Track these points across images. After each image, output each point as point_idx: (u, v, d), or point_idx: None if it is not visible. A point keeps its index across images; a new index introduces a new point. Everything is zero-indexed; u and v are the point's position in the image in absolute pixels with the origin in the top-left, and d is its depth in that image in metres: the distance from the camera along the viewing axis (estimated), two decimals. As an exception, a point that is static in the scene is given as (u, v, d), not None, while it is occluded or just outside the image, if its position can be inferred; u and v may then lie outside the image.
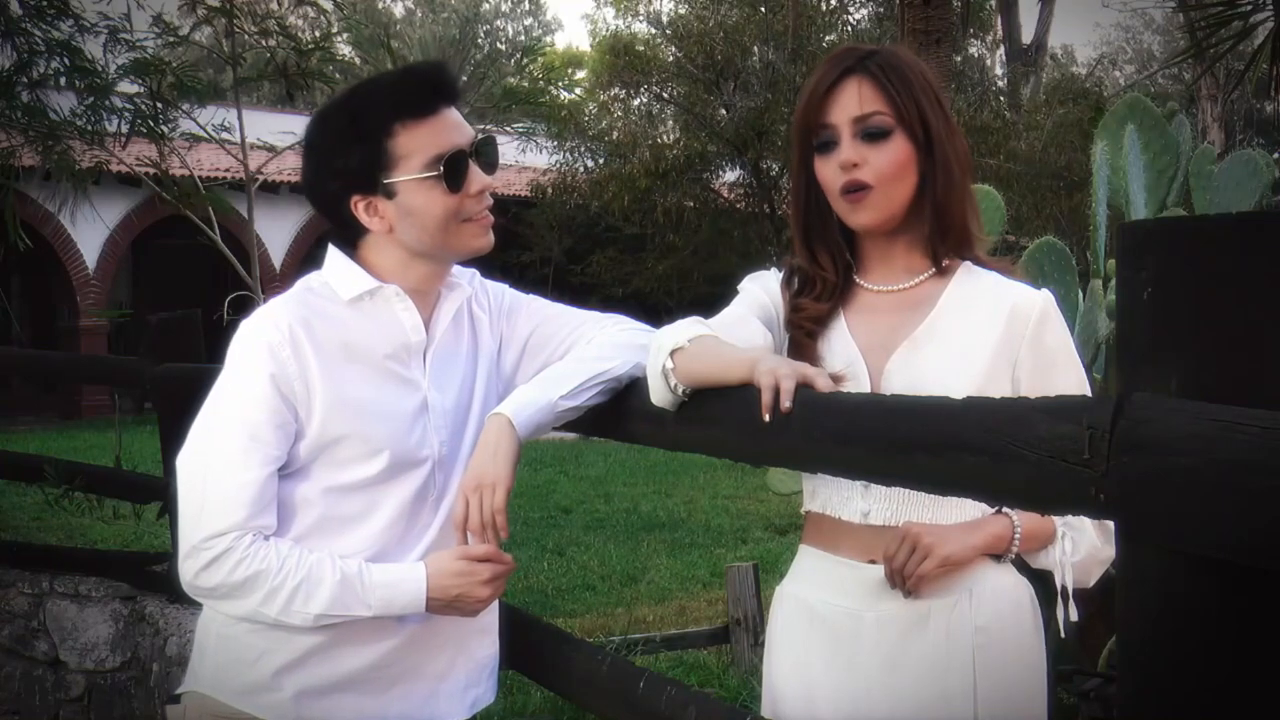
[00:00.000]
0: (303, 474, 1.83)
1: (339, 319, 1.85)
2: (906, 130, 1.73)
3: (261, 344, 1.80)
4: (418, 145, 1.79)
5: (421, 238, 1.83)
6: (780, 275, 1.86)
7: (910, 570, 1.68)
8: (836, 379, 1.69)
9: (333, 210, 1.87)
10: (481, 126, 8.23)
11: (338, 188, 1.84)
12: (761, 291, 1.84)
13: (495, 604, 1.98)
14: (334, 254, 1.90)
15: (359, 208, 1.83)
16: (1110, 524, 1.64)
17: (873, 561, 1.74)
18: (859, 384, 1.72)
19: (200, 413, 1.85)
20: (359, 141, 1.80)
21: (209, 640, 1.90)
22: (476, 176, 1.83)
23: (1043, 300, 1.76)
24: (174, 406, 1.81)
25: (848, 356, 1.75)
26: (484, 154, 1.85)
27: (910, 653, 1.72)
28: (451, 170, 1.80)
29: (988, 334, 1.73)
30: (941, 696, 1.70)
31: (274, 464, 1.79)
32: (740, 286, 1.87)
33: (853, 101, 1.74)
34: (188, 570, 1.80)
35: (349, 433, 1.81)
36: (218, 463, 1.80)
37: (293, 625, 1.80)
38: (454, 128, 1.82)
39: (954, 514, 1.74)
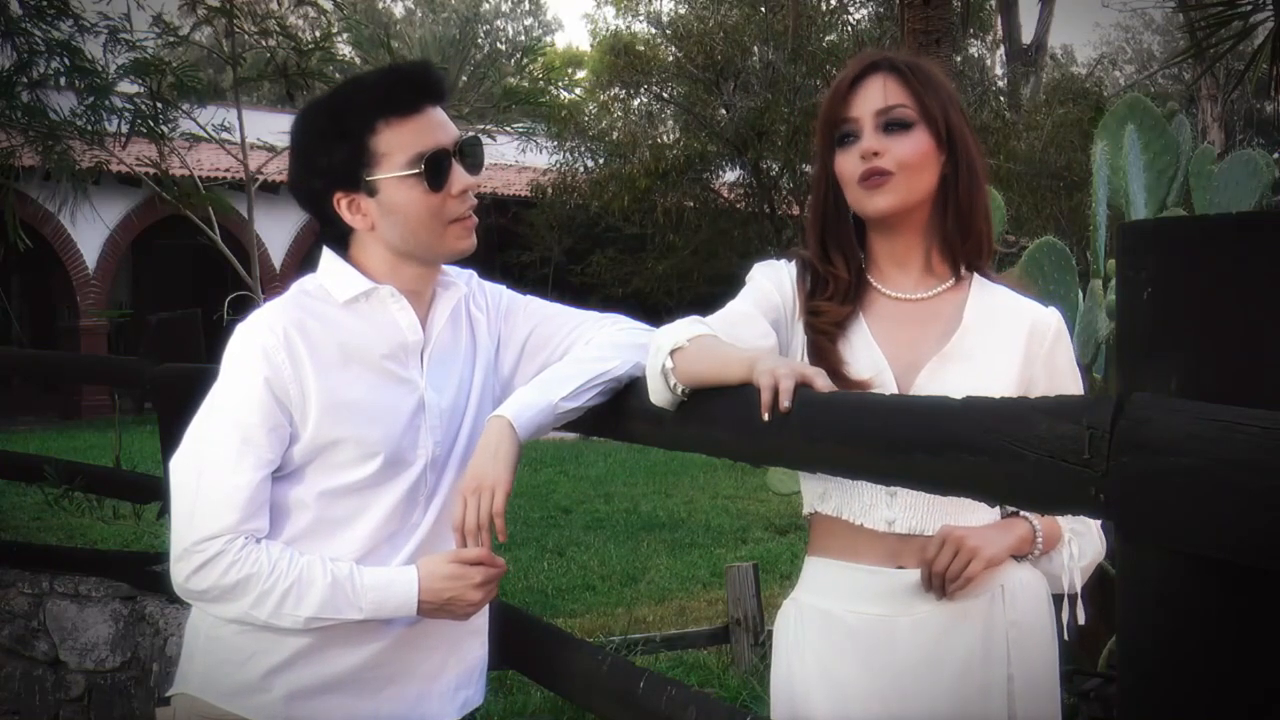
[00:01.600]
0: (297, 477, 1.83)
1: (334, 321, 1.84)
2: (929, 127, 1.74)
3: (256, 347, 1.79)
4: (400, 143, 1.78)
5: (404, 236, 1.83)
6: (791, 267, 1.85)
7: (955, 573, 1.68)
8: (864, 385, 1.70)
9: (317, 207, 1.86)
10: (482, 126, 8.24)
11: (321, 185, 1.83)
12: (772, 287, 1.82)
13: (489, 608, 1.98)
14: (328, 256, 1.90)
15: (342, 205, 1.83)
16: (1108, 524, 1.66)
17: (900, 567, 1.74)
18: (886, 389, 1.72)
19: (196, 416, 1.85)
20: (342, 138, 1.80)
21: (198, 642, 1.90)
22: (459, 176, 1.82)
23: (1056, 320, 1.81)
24: (174, 406, 1.81)
25: (874, 363, 1.75)
26: (468, 154, 1.84)
27: (948, 652, 1.72)
28: (433, 169, 1.79)
29: (1011, 352, 1.76)
30: (979, 692, 1.72)
31: (267, 467, 1.79)
32: (749, 277, 1.86)
33: (877, 95, 1.75)
34: (180, 573, 1.80)
35: (344, 436, 1.80)
36: (211, 466, 1.79)
37: (284, 628, 1.80)
38: (438, 127, 1.82)
39: (972, 519, 1.74)
